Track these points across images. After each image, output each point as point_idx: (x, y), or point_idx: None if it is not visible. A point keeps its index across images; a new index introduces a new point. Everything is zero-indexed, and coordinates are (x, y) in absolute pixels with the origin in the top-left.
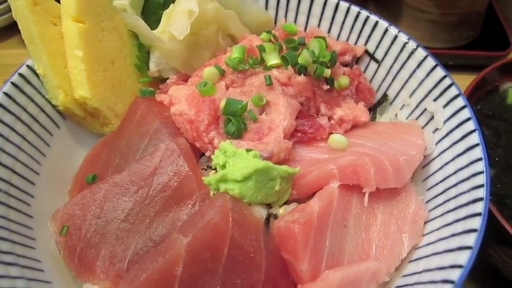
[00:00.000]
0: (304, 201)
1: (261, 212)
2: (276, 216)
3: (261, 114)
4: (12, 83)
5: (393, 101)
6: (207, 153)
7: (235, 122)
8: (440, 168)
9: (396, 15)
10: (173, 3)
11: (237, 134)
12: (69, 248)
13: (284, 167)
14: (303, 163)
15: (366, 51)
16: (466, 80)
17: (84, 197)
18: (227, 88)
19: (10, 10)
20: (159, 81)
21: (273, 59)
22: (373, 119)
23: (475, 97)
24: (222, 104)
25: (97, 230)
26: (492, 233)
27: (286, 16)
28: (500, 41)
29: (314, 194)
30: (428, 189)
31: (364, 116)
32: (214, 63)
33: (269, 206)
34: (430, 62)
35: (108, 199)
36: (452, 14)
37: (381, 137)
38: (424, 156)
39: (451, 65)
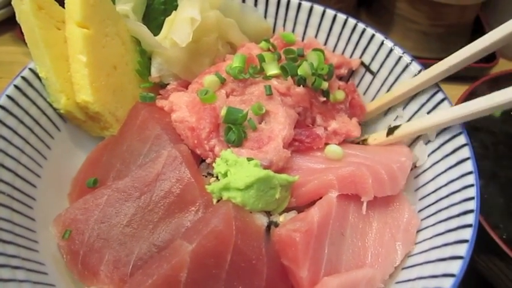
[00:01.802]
0: (303, 209)
1: (262, 220)
2: (276, 224)
3: (260, 123)
4: (15, 86)
5: (387, 112)
6: (208, 160)
7: (236, 130)
8: (433, 179)
9: (388, 25)
10: (175, 10)
11: (238, 142)
12: (72, 252)
13: (284, 176)
14: (301, 172)
15: (362, 63)
16: (453, 90)
17: (86, 201)
18: (227, 96)
19: (2, 7)
20: (160, 87)
21: (272, 69)
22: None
23: None
24: (223, 112)
25: (100, 235)
26: (479, 241)
27: (284, 25)
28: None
29: (312, 201)
30: (420, 199)
31: (356, 131)
32: (215, 71)
33: (269, 213)
34: (426, 75)
35: (110, 204)
36: (441, 25)
37: (371, 148)
38: (417, 166)
39: None
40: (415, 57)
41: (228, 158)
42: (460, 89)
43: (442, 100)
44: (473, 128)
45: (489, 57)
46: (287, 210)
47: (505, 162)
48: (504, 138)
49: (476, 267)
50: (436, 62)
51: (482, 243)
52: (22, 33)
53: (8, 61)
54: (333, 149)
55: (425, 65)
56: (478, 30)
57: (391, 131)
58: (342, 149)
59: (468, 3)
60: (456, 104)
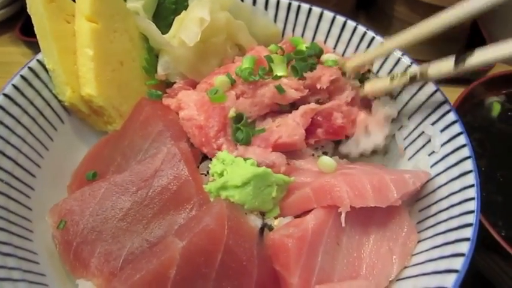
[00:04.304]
0: (298, 216)
1: (256, 222)
2: (270, 227)
3: (273, 120)
4: (22, 76)
5: (393, 121)
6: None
7: (244, 130)
8: (434, 190)
9: (386, 27)
10: (185, 9)
11: (246, 141)
12: (65, 242)
13: (280, 176)
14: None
15: (369, 71)
16: (450, 92)
17: (83, 193)
18: (237, 98)
19: (1, 8)
20: (165, 85)
21: (281, 70)
22: None
23: (462, 110)
24: (231, 114)
25: (94, 227)
26: (479, 239)
27: (293, 30)
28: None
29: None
30: (420, 211)
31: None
32: (225, 71)
33: (263, 216)
34: (431, 86)
35: (107, 197)
36: None
37: (378, 167)
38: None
39: None
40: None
41: (224, 158)
42: (457, 92)
43: (448, 112)
44: (472, 127)
45: None
46: (283, 214)
47: (502, 160)
48: (501, 136)
49: (476, 265)
50: None
51: (482, 241)
52: (22, 33)
53: (6, 62)
54: (325, 161)
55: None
56: (476, 34)
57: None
58: (333, 161)
59: None
60: (454, 104)
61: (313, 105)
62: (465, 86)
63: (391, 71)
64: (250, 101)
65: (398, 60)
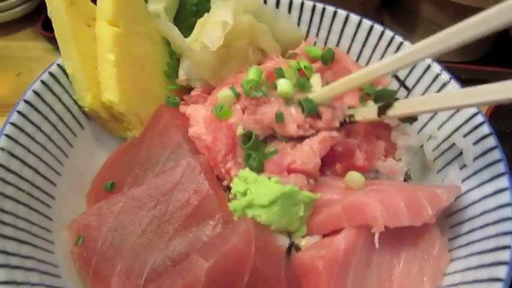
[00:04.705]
0: (327, 234)
1: (283, 241)
2: (297, 247)
3: (287, 142)
4: (42, 82)
5: (420, 131)
6: (224, 183)
7: (257, 157)
8: (466, 207)
9: (410, 27)
10: (207, 12)
11: (259, 170)
12: (84, 259)
13: (307, 193)
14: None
15: (396, 77)
16: None
17: (100, 208)
18: (243, 112)
19: (23, 2)
20: (186, 89)
21: (284, 87)
22: None
23: (495, 116)
24: (239, 131)
25: (113, 243)
26: None
27: (318, 34)
28: (510, 58)
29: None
30: (451, 227)
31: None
32: (232, 83)
33: (290, 235)
34: None
35: (125, 212)
36: None
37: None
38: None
39: (463, 79)
40: (437, 61)
41: (247, 176)
42: None
43: (481, 124)
44: (504, 133)
45: None
46: (311, 233)
47: None
48: None
49: None
50: (459, 67)
51: None
52: (43, 28)
53: (27, 57)
54: (354, 177)
55: (447, 69)
56: (502, 34)
57: (382, 108)
58: (362, 176)
59: None
60: (487, 111)
61: (334, 133)
62: None
63: (419, 79)
64: (252, 118)
65: (428, 67)
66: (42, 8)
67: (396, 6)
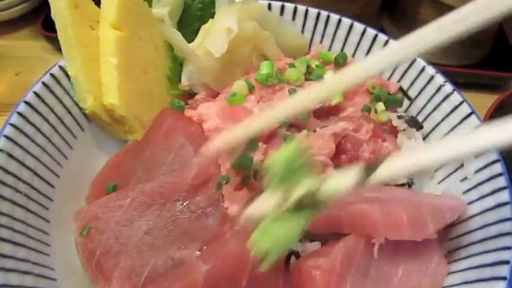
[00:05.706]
0: (326, 240)
1: None
2: (297, 254)
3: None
4: (43, 83)
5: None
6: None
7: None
8: (466, 220)
9: (409, 30)
10: (211, 17)
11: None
12: (88, 250)
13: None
14: None
15: (400, 88)
16: (475, 98)
17: (109, 201)
18: (258, 102)
19: (23, 1)
20: (188, 95)
21: (295, 75)
22: None
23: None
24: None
25: (119, 238)
26: None
27: (321, 41)
28: (508, 62)
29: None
30: (451, 239)
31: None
32: (245, 78)
33: None
34: (466, 108)
35: (134, 207)
36: None
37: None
38: None
39: (462, 83)
40: (434, 64)
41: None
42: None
43: None
44: None
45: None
46: (310, 239)
47: None
48: None
49: None
50: (457, 71)
51: None
52: (43, 28)
53: (27, 56)
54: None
55: (445, 73)
56: (501, 38)
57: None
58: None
59: None
60: (485, 116)
61: (345, 124)
62: (486, 91)
63: (422, 89)
64: (267, 104)
65: (432, 78)
66: (42, 7)
67: (396, 10)
